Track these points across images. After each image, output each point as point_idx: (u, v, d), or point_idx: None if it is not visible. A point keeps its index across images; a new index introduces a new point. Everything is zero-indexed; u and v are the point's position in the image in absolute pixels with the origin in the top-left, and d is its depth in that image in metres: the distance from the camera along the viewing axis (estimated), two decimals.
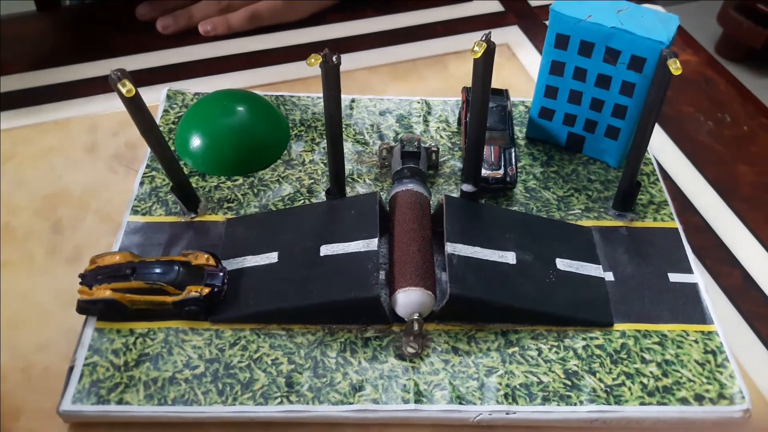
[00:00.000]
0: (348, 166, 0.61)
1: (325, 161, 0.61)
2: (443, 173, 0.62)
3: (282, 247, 0.53)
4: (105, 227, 0.58)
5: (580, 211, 0.59)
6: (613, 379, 0.48)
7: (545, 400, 0.47)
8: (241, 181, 0.60)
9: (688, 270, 0.55)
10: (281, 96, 0.68)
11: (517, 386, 0.48)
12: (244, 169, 0.61)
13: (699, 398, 0.47)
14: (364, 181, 0.61)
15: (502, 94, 0.64)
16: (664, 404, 0.47)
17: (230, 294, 0.51)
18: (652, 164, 0.63)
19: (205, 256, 0.52)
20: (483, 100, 0.50)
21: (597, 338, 0.50)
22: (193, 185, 0.58)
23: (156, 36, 0.77)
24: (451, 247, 0.51)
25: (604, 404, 0.47)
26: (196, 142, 0.60)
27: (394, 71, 0.74)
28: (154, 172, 0.60)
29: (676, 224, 0.58)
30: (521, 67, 0.75)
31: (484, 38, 0.47)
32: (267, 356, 0.49)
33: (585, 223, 0.58)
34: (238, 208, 0.58)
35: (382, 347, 0.50)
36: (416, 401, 0.47)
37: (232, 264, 0.53)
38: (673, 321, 0.51)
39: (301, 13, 0.79)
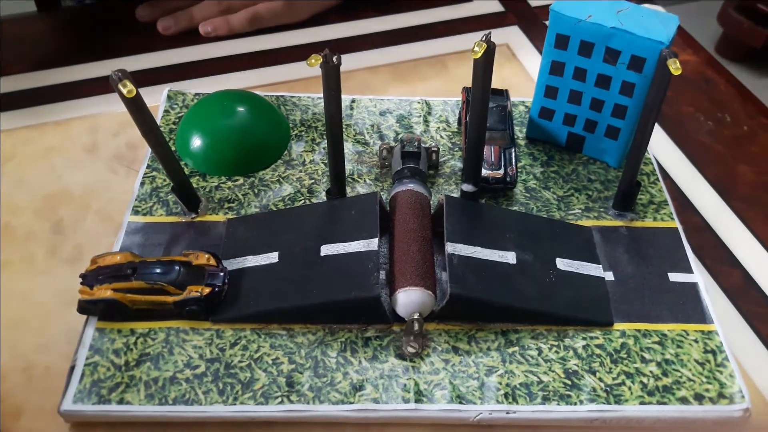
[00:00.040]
0: (348, 167, 0.61)
1: (326, 161, 0.61)
2: (443, 173, 0.62)
3: (282, 247, 0.53)
4: (106, 227, 0.58)
5: (580, 211, 0.59)
6: (613, 379, 0.48)
7: (545, 399, 0.47)
8: (241, 181, 0.60)
9: (688, 270, 0.55)
10: (282, 96, 0.68)
11: (517, 386, 0.48)
12: (244, 169, 0.61)
13: (699, 398, 0.48)
14: (365, 181, 0.61)
15: (502, 94, 0.64)
16: (664, 404, 0.47)
17: (231, 294, 0.51)
18: (652, 164, 0.63)
19: (206, 256, 0.52)
20: (483, 100, 0.51)
21: (597, 338, 0.51)
22: (194, 185, 0.58)
23: (157, 36, 0.77)
24: (451, 247, 0.51)
25: (604, 404, 0.47)
26: (196, 142, 0.60)
27: (394, 71, 0.74)
28: (154, 173, 0.60)
29: (676, 224, 0.58)
30: (521, 67, 0.75)
31: (484, 38, 0.47)
32: (268, 356, 0.49)
33: (585, 222, 0.58)
34: (239, 208, 0.58)
35: (382, 347, 0.50)
36: (416, 401, 0.47)
37: (232, 264, 0.53)
38: (673, 320, 0.51)
39: (301, 15, 0.80)
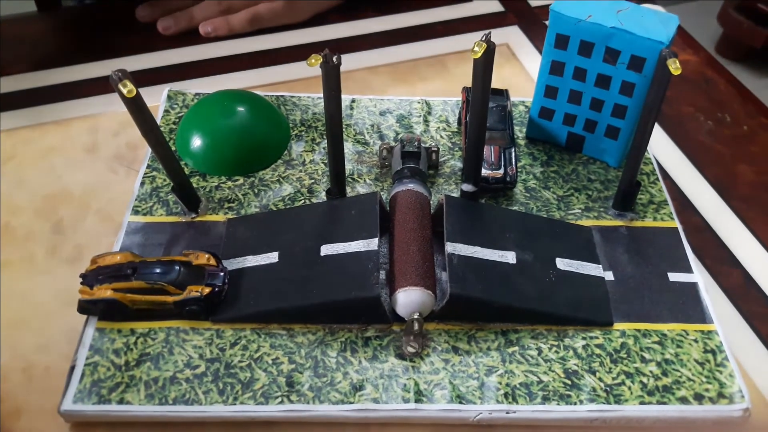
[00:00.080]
0: (348, 166, 0.61)
1: (326, 161, 0.62)
2: (443, 173, 0.62)
3: (282, 247, 0.53)
4: (106, 227, 0.58)
5: (580, 211, 0.59)
6: (613, 379, 0.48)
7: (545, 399, 0.47)
8: (241, 181, 0.60)
9: (688, 269, 0.55)
10: (282, 96, 0.68)
11: (517, 385, 0.48)
12: (244, 169, 0.61)
13: (699, 397, 0.48)
14: (365, 181, 0.61)
15: (502, 94, 0.64)
16: (664, 403, 0.47)
17: (231, 294, 0.51)
18: (651, 164, 0.63)
19: (206, 256, 0.52)
20: (483, 100, 0.51)
21: (597, 338, 0.51)
22: (194, 185, 0.58)
23: (157, 36, 0.77)
24: (451, 247, 0.51)
25: (604, 403, 0.47)
26: (196, 142, 0.61)
27: (394, 71, 0.74)
28: (154, 173, 0.60)
29: (676, 224, 0.58)
30: (521, 67, 0.75)
31: (484, 38, 0.47)
32: (268, 356, 0.49)
33: (585, 222, 0.58)
34: (239, 208, 0.58)
35: (382, 347, 0.50)
36: (416, 401, 0.47)
37: (232, 264, 0.53)
38: (672, 320, 0.52)
39: (301, 15, 0.80)
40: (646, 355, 0.50)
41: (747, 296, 0.56)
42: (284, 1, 0.77)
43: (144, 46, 0.76)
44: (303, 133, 0.65)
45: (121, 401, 0.46)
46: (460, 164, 0.62)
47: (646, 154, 0.63)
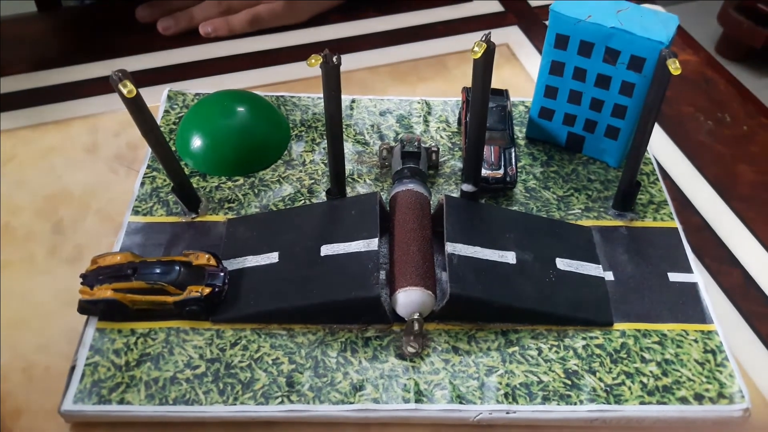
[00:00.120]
0: (348, 167, 0.61)
1: (326, 161, 0.62)
2: (443, 173, 0.62)
3: (283, 247, 0.53)
4: (106, 227, 0.58)
5: (580, 211, 0.59)
6: (613, 379, 0.48)
7: (545, 399, 0.47)
8: (241, 181, 0.60)
9: (688, 269, 0.55)
10: (282, 96, 0.68)
11: (517, 386, 0.48)
12: (244, 169, 0.61)
13: (699, 397, 0.48)
14: (365, 181, 0.61)
15: (502, 94, 0.64)
16: (664, 403, 0.47)
17: (231, 294, 0.51)
18: (651, 164, 0.63)
19: (206, 256, 0.52)
20: (483, 100, 0.51)
21: (597, 338, 0.51)
22: (194, 185, 0.58)
23: (157, 37, 0.77)
24: (451, 247, 0.51)
25: (604, 403, 0.47)
26: (196, 142, 0.61)
27: (394, 71, 0.74)
28: (154, 173, 0.60)
29: (676, 224, 0.58)
30: (521, 67, 0.75)
31: (483, 38, 0.47)
32: (268, 356, 0.49)
33: (585, 222, 0.58)
34: (239, 208, 0.58)
35: (382, 347, 0.50)
36: (417, 401, 0.47)
37: (232, 264, 0.53)
38: (672, 320, 0.52)
39: (301, 16, 0.80)
40: (646, 355, 0.50)
41: (747, 296, 0.56)
42: (284, 2, 0.77)
43: (144, 47, 0.76)
44: (303, 133, 0.65)
45: (121, 401, 0.46)
46: (460, 164, 0.62)
47: (646, 154, 0.63)
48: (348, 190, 0.58)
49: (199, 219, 0.57)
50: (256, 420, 0.47)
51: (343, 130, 0.54)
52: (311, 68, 0.48)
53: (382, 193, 0.58)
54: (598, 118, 0.60)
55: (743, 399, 0.47)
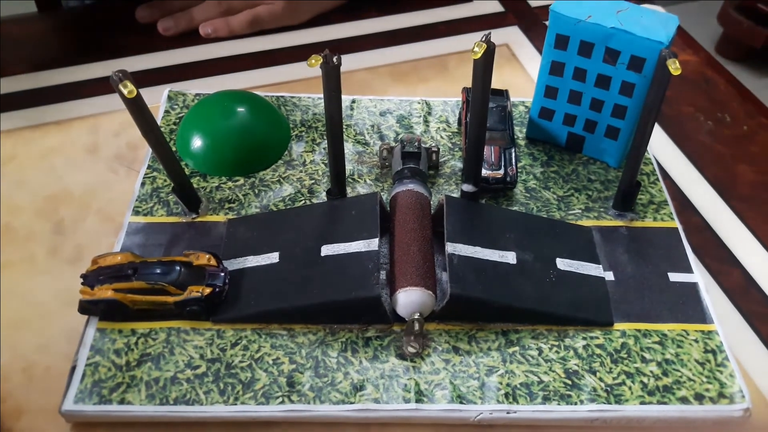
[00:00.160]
0: (348, 167, 0.61)
1: (326, 162, 0.62)
2: (443, 173, 0.62)
3: (283, 247, 0.54)
4: (106, 228, 0.58)
5: (580, 211, 0.59)
6: (614, 379, 0.48)
7: (546, 399, 0.47)
8: (242, 181, 0.60)
9: (688, 269, 0.55)
10: (282, 96, 0.68)
11: (518, 386, 0.48)
12: (245, 169, 0.61)
13: (699, 397, 0.48)
14: (365, 181, 0.61)
15: (502, 94, 0.64)
16: (665, 403, 0.47)
17: (231, 294, 0.51)
18: (652, 164, 0.63)
19: (207, 256, 0.52)
20: (483, 100, 0.51)
21: (597, 338, 0.51)
22: (194, 186, 0.58)
23: (157, 37, 0.77)
24: (451, 247, 0.51)
25: (605, 403, 0.47)
26: (197, 142, 0.61)
27: (394, 72, 0.74)
28: (155, 173, 0.60)
29: (676, 224, 0.58)
30: (521, 68, 0.75)
31: (484, 39, 0.47)
32: (268, 356, 0.49)
33: (585, 222, 0.58)
34: (239, 208, 0.58)
35: (383, 347, 0.50)
36: (417, 401, 0.47)
37: (233, 264, 0.53)
38: (673, 320, 0.52)
39: (302, 17, 0.80)
40: (647, 355, 0.50)
41: (747, 296, 0.56)
42: (284, 3, 0.77)
43: (144, 47, 0.76)
44: (303, 133, 0.65)
45: (122, 401, 0.46)
46: (460, 164, 0.62)
47: (646, 154, 0.63)
48: (348, 190, 0.58)
49: (199, 219, 0.57)
50: (256, 420, 0.47)
51: (344, 130, 0.54)
52: (311, 68, 0.48)
53: (382, 194, 0.58)
54: (598, 118, 0.60)
55: (743, 399, 0.47)
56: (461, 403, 0.47)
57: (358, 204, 0.55)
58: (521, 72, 0.75)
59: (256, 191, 0.59)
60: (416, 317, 0.49)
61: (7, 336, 0.51)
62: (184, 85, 0.71)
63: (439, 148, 0.60)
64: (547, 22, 0.57)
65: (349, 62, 0.70)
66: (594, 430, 0.48)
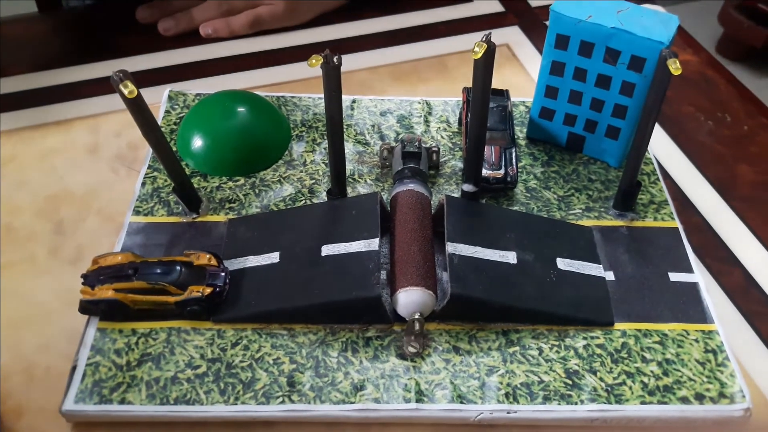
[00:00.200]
0: (349, 167, 0.61)
1: (326, 161, 0.62)
2: (444, 173, 0.62)
3: (283, 247, 0.54)
4: (107, 228, 0.58)
5: (580, 211, 0.59)
6: (614, 378, 0.48)
7: (546, 399, 0.47)
8: (242, 181, 0.60)
9: (689, 269, 0.55)
10: (282, 96, 0.68)
11: (518, 385, 0.48)
12: (245, 169, 0.61)
13: (699, 397, 0.48)
14: (365, 181, 0.61)
15: (503, 94, 0.64)
16: (665, 403, 0.47)
17: (232, 294, 0.51)
18: (652, 164, 0.63)
19: (207, 256, 0.52)
20: (483, 100, 0.51)
21: (598, 337, 0.51)
22: (195, 186, 0.58)
23: (157, 37, 0.77)
24: (452, 247, 0.51)
25: (605, 403, 0.47)
26: (197, 142, 0.61)
27: (394, 72, 0.74)
28: (155, 173, 0.60)
29: (677, 224, 0.58)
30: (521, 68, 0.75)
31: (484, 39, 0.47)
32: (269, 356, 0.49)
33: (586, 222, 0.58)
34: (240, 208, 0.58)
35: (383, 347, 0.50)
36: (417, 401, 0.47)
37: (233, 264, 0.53)
38: (673, 320, 0.52)
39: (302, 18, 0.80)
40: (647, 355, 0.50)
41: (747, 296, 0.56)
42: (285, 3, 0.77)
43: (145, 47, 0.76)
44: (304, 133, 0.65)
45: (122, 401, 0.46)
46: (460, 164, 0.62)
47: (646, 154, 0.63)
48: (349, 190, 0.58)
49: (199, 219, 0.57)
50: (256, 420, 0.47)
51: (344, 130, 0.54)
52: (312, 68, 0.48)
53: (382, 193, 0.58)
54: (599, 118, 0.60)
55: (744, 399, 0.47)
56: (461, 403, 0.47)
57: (359, 204, 0.55)
58: (521, 72, 0.75)
59: (257, 191, 0.60)
60: (417, 317, 0.49)
61: (8, 336, 0.51)
62: (184, 85, 0.71)
63: (439, 148, 0.60)
64: (547, 22, 0.57)
65: (349, 62, 0.70)
66: (594, 429, 0.48)
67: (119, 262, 0.51)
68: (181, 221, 0.57)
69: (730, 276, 0.57)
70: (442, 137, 0.65)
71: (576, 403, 0.47)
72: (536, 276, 0.52)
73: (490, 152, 0.59)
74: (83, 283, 0.50)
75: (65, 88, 0.71)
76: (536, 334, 0.51)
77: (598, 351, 0.50)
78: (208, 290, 0.50)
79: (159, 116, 0.65)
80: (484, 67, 0.48)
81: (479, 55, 0.47)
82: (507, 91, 0.64)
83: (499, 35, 0.78)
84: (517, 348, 0.50)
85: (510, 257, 0.53)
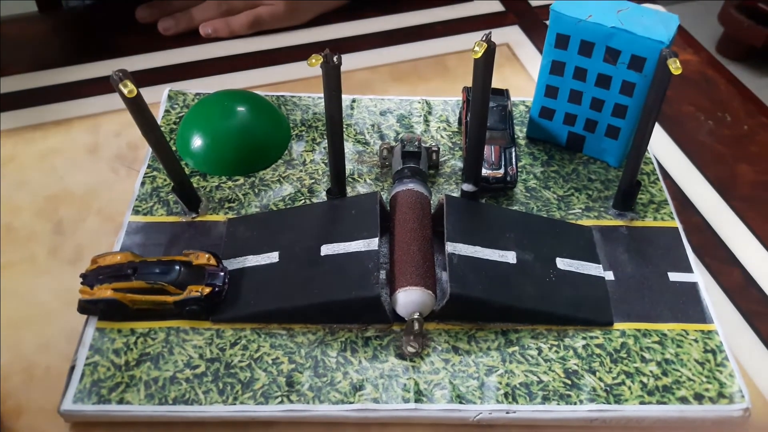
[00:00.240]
0: (349, 166, 0.61)
1: (326, 161, 0.62)
2: (444, 173, 0.62)
3: (283, 246, 0.54)
4: (106, 227, 0.58)
5: (580, 211, 0.59)
6: (613, 378, 0.48)
7: (545, 399, 0.47)
8: (242, 181, 0.60)
9: (688, 269, 0.55)
10: (282, 96, 0.68)
11: (517, 385, 0.48)
12: (245, 169, 0.61)
13: (699, 397, 0.48)
14: (365, 180, 0.61)
15: (503, 93, 0.64)
16: (664, 403, 0.47)
17: (231, 294, 0.51)
18: (652, 164, 0.63)
19: (206, 255, 0.52)
20: (483, 100, 0.51)
21: (597, 337, 0.51)
22: (194, 185, 0.58)
23: (157, 37, 0.77)
24: (451, 247, 0.51)
25: (604, 403, 0.47)
26: (197, 142, 0.61)
27: (394, 71, 0.74)
28: (155, 172, 0.60)
29: (676, 223, 0.58)
30: (521, 67, 0.75)
31: (484, 38, 0.47)
32: (268, 356, 0.49)
33: (585, 222, 0.58)
34: (239, 207, 0.58)
35: (382, 347, 0.50)
36: (416, 400, 0.47)
37: (233, 264, 0.53)
38: (672, 320, 0.51)
39: (302, 18, 0.79)
40: (646, 355, 0.50)
41: (747, 296, 0.56)
42: (285, 4, 0.77)
43: (144, 47, 0.76)
44: (303, 132, 0.65)
45: (121, 401, 0.46)
46: (460, 164, 0.62)
47: (646, 153, 0.63)
48: (348, 189, 0.58)
49: (199, 219, 0.57)
50: (255, 420, 0.47)
51: (344, 129, 0.54)
52: (312, 68, 0.48)
53: (382, 193, 0.58)
54: (599, 117, 0.60)
55: (743, 399, 0.47)
56: (460, 402, 0.47)
57: (358, 203, 0.55)
58: (521, 71, 0.75)
59: (256, 191, 0.59)
60: (416, 317, 0.49)
61: (8, 336, 0.51)
62: (184, 84, 0.71)
63: (439, 148, 0.60)
64: (547, 22, 0.57)
65: (349, 62, 0.70)
66: (593, 430, 0.48)
67: (118, 261, 0.51)
68: (181, 221, 0.57)
69: (730, 276, 0.57)
70: (441, 137, 0.65)
71: (575, 403, 0.47)
72: (536, 276, 0.52)
73: (489, 152, 0.59)
74: (82, 283, 0.50)
75: (65, 88, 0.71)
76: (535, 334, 0.51)
77: (598, 351, 0.50)
78: (207, 290, 0.50)
79: (158, 116, 0.65)
80: (484, 66, 0.48)
81: (479, 55, 0.47)
82: (507, 90, 0.64)
83: (499, 35, 0.78)
84: (517, 348, 0.50)
85: (509, 257, 0.53)
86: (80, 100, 0.69)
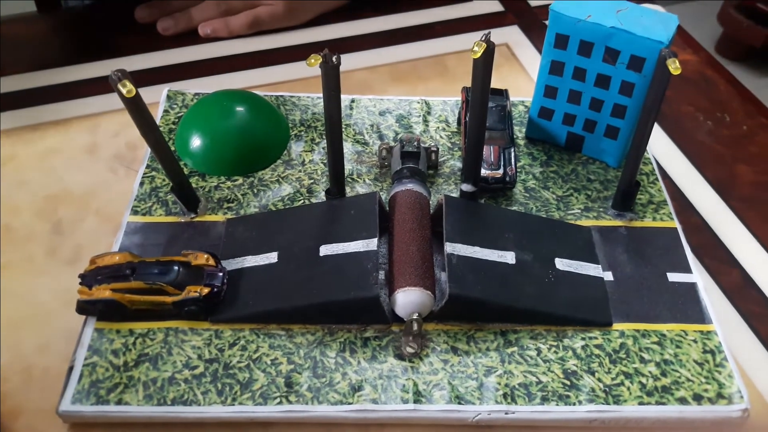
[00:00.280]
0: (348, 166, 0.61)
1: (325, 161, 0.61)
2: (443, 173, 0.62)
3: (282, 247, 0.53)
4: (105, 228, 0.58)
5: (579, 211, 0.59)
6: (612, 379, 0.48)
7: (544, 399, 0.47)
8: (240, 181, 0.60)
9: (687, 270, 0.55)
10: (281, 96, 0.68)
11: (516, 386, 0.48)
12: (244, 169, 0.61)
13: (698, 398, 0.48)
14: (364, 181, 0.61)
15: (502, 94, 0.64)
16: (663, 404, 0.47)
17: (230, 294, 0.51)
18: (651, 164, 0.63)
19: (205, 256, 0.52)
20: (482, 100, 0.51)
21: (596, 338, 0.51)
22: (193, 185, 0.58)
23: (156, 37, 0.77)
24: (450, 247, 0.51)
25: (603, 404, 0.47)
26: (196, 142, 0.61)
27: (393, 71, 0.74)
28: (154, 173, 0.60)
29: (675, 224, 0.58)
30: (521, 67, 0.75)
31: (483, 38, 0.47)
32: (266, 356, 0.49)
33: (584, 222, 0.58)
34: (238, 208, 0.58)
35: (381, 347, 0.50)
36: (415, 401, 0.47)
37: (231, 264, 0.53)
38: (672, 321, 0.51)
39: (301, 18, 0.79)
40: (645, 356, 0.50)
41: (746, 296, 0.56)
42: (284, 4, 0.77)
43: (143, 47, 0.76)
44: (302, 133, 0.65)
45: (119, 402, 0.46)
46: (459, 164, 0.62)
47: (645, 154, 0.63)
48: (347, 190, 0.58)
49: (198, 219, 0.57)
50: (254, 420, 0.47)
51: (343, 129, 0.54)
52: (311, 68, 0.48)
53: (381, 193, 0.58)
54: (598, 117, 0.60)
55: (742, 399, 0.47)
56: (459, 403, 0.47)
57: (357, 204, 0.55)
58: (521, 71, 0.75)
59: (255, 191, 0.59)
60: (415, 317, 0.49)
61: (7, 336, 0.51)
62: (183, 84, 0.71)
63: (438, 148, 0.60)
64: (546, 22, 0.57)
65: (348, 62, 0.70)
66: (592, 430, 0.48)
67: (117, 262, 0.51)
68: (179, 221, 0.57)
69: (729, 276, 0.57)
70: (441, 137, 0.65)
71: (574, 404, 0.47)
72: (535, 276, 0.52)
73: (489, 152, 0.59)
74: (81, 283, 0.50)
75: (64, 88, 0.71)
76: (534, 335, 0.51)
77: (597, 351, 0.50)
78: (206, 290, 0.50)
79: (157, 116, 0.65)
80: (484, 66, 0.48)
81: (478, 55, 0.47)
82: (506, 90, 0.64)
83: (498, 35, 0.78)
84: (516, 348, 0.50)
85: (508, 257, 0.53)
86: (79, 100, 0.69)
